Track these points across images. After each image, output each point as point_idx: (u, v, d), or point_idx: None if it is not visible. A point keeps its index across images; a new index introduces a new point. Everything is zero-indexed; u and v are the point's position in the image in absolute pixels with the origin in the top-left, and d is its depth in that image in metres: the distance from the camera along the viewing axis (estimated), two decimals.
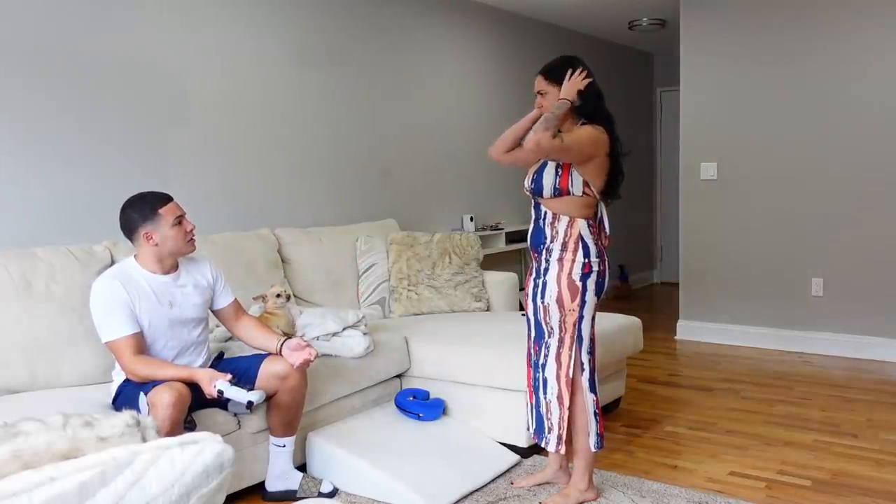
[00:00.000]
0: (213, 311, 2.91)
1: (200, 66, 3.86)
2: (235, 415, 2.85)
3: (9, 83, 3.15)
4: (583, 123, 2.73)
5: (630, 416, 3.90)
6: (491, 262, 5.48)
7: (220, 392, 2.51)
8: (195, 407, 2.67)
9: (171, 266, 2.74)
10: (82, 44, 3.38)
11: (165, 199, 2.70)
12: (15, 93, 3.17)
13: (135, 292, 2.62)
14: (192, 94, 3.83)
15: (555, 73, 2.75)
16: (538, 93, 2.79)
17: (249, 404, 2.54)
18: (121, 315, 2.58)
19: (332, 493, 2.92)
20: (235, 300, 2.94)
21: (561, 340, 2.76)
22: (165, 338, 2.70)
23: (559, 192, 2.71)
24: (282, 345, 2.81)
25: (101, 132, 3.47)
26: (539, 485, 3.01)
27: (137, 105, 3.60)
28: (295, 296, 3.89)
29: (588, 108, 2.72)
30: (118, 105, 3.52)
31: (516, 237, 5.81)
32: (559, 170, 2.72)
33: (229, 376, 2.58)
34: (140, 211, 2.66)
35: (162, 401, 2.41)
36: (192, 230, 2.73)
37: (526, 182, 2.85)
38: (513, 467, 3.19)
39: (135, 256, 2.72)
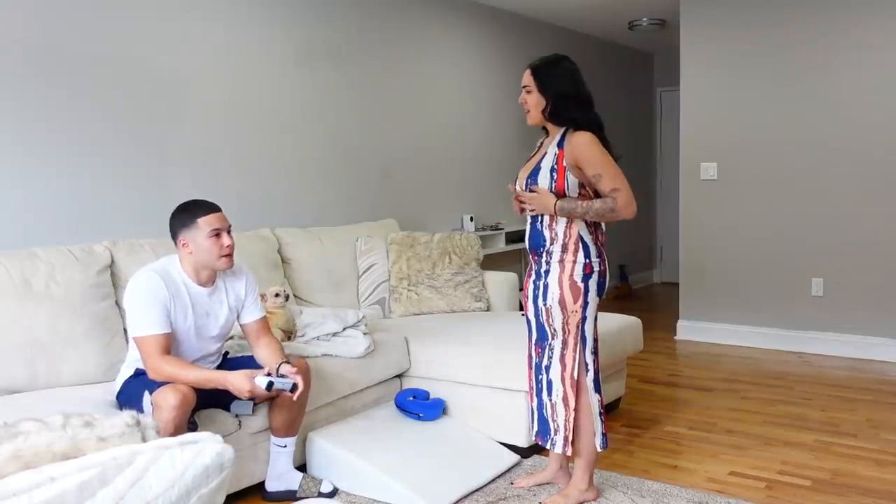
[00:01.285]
0: (239, 324, 2.89)
1: (200, 66, 3.86)
2: (236, 415, 2.85)
3: (8, 83, 3.15)
4: (565, 129, 2.72)
5: (630, 416, 3.90)
6: (491, 262, 5.48)
7: (270, 385, 2.53)
8: (196, 407, 2.67)
9: (207, 278, 2.71)
10: (81, 44, 3.38)
11: (209, 209, 2.67)
12: (14, 93, 3.17)
13: (174, 292, 2.62)
14: (193, 93, 3.83)
15: (539, 72, 2.74)
16: (523, 87, 2.78)
17: (294, 386, 2.60)
18: (157, 312, 2.55)
19: (332, 493, 2.92)
20: (263, 318, 2.88)
21: (565, 342, 2.75)
22: (188, 344, 2.69)
23: (556, 195, 2.70)
24: (281, 364, 2.76)
25: (101, 132, 3.47)
26: (539, 485, 3.01)
27: (137, 105, 3.60)
28: (295, 296, 3.89)
29: (570, 113, 2.70)
30: (118, 105, 3.52)
31: (516, 237, 5.81)
32: (554, 174, 2.70)
33: (267, 370, 2.61)
34: (181, 217, 2.66)
35: (167, 402, 2.39)
36: (229, 246, 2.66)
37: (518, 186, 2.83)
38: (513, 467, 3.19)
39: (179, 258, 2.71)
